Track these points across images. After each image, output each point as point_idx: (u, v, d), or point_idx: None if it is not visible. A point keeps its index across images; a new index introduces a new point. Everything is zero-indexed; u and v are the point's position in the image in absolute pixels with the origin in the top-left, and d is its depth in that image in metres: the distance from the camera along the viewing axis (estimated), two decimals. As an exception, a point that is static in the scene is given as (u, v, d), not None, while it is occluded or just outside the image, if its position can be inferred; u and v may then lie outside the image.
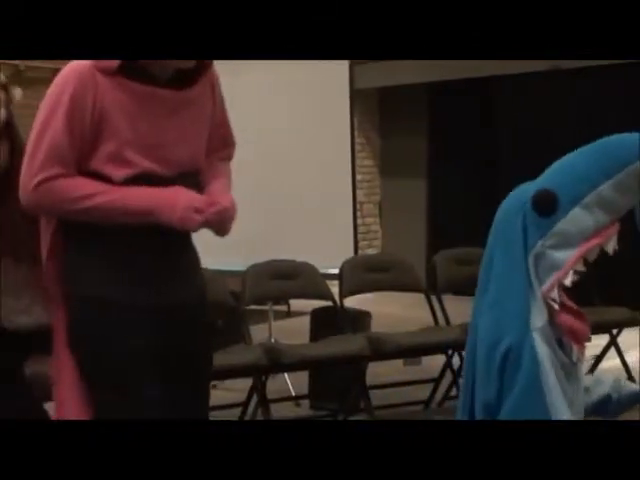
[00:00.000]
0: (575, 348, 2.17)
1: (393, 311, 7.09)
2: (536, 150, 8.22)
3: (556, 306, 2.13)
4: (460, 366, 5.04)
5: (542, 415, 2.09)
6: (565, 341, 2.15)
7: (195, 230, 2.43)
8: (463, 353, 5.05)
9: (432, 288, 5.32)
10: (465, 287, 6.23)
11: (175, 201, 2.35)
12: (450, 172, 9.21)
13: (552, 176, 2.20)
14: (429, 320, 5.21)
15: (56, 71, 2.39)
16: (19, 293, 2.50)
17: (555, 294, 2.12)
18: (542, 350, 2.09)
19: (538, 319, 2.12)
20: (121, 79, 2.32)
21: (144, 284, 2.40)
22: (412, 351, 4.85)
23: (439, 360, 5.15)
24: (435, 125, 9.46)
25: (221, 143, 2.60)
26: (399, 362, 5.02)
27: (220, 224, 2.45)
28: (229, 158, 2.66)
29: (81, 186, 2.34)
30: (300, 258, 5.22)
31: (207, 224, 2.42)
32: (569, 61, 7.81)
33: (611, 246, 2.14)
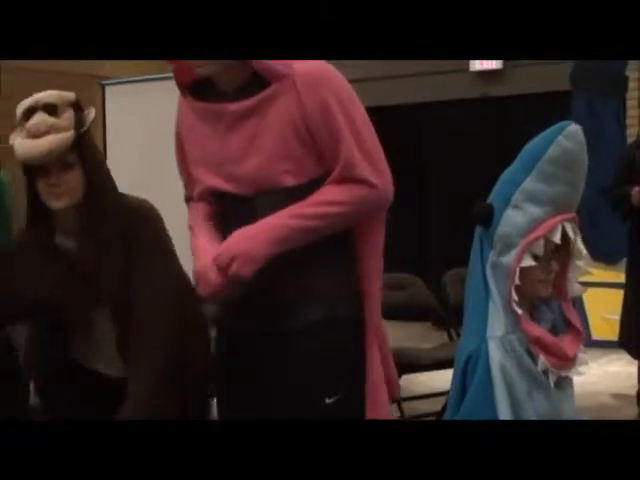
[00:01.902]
0: (542, 358, 2.19)
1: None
2: (462, 176, 8.34)
3: (519, 312, 2.17)
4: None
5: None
6: (533, 350, 2.19)
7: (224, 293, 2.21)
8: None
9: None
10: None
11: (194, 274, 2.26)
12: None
13: (493, 190, 2.29)
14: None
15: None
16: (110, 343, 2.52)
17: (514, 299, 2.16)
18: (495, 358, 2.13)
19: (497, 328, 2.17)
20: (190, 99, 2.30)
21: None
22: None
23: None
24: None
25: (333, 160, 2.20)
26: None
27: (232, 276, 2.16)
28: (341, 179, 2.21)
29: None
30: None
31: (230, 280, 2.17)
32: (496, 88, 7.98)
33: (557, 237, 2.17)
